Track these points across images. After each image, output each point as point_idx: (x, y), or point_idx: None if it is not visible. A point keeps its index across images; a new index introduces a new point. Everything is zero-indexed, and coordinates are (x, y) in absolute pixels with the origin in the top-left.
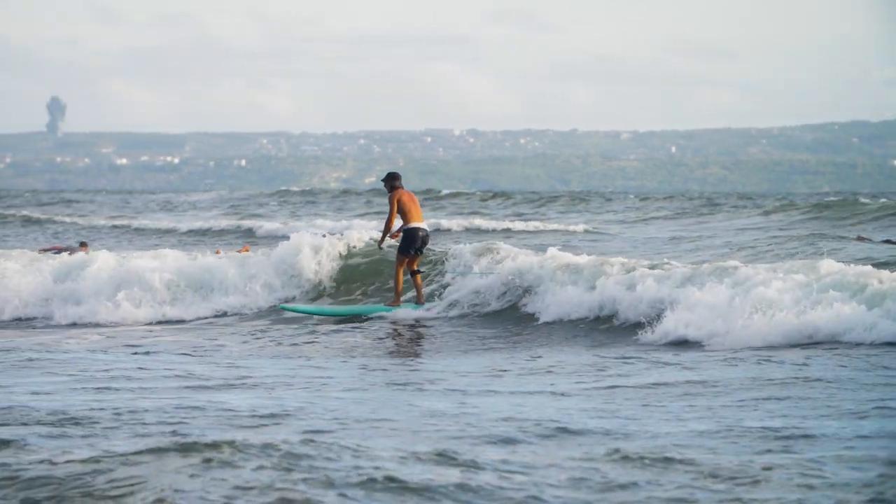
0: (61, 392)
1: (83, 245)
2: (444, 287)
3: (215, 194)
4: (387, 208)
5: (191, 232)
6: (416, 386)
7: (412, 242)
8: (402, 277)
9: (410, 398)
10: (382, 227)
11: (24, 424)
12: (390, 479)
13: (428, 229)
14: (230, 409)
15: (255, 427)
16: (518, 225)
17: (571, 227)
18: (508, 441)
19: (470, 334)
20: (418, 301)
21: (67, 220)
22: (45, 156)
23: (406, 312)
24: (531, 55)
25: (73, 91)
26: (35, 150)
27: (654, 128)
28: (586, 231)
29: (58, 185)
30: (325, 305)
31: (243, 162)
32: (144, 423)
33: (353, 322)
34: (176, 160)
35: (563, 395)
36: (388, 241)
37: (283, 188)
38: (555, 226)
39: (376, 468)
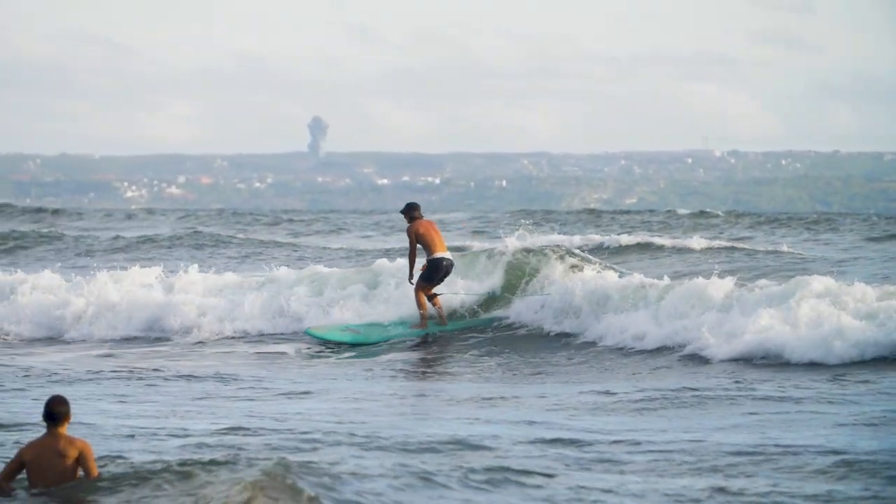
0: None
1: None
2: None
3: (468, 214)
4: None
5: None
6: None
7: (436, 273)
8: (424, 300)
9: None
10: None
11: None
12: None
13: (451, 258)
14: None
15: None
16: (701, 243)
17: (771, 248)
18: None
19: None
20: (441, 322)
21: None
22: (306, 176)
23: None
24: (792, 75)
25: (333, 111)
26: (296, 171)
27: None
28: (781, 252)
29: (318, 205)
30: (351, 332)
31: (504, 182)
32: None
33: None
34: (437, 180)
35: None
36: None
37: (543, 208)
38: (761, 247)
39: None
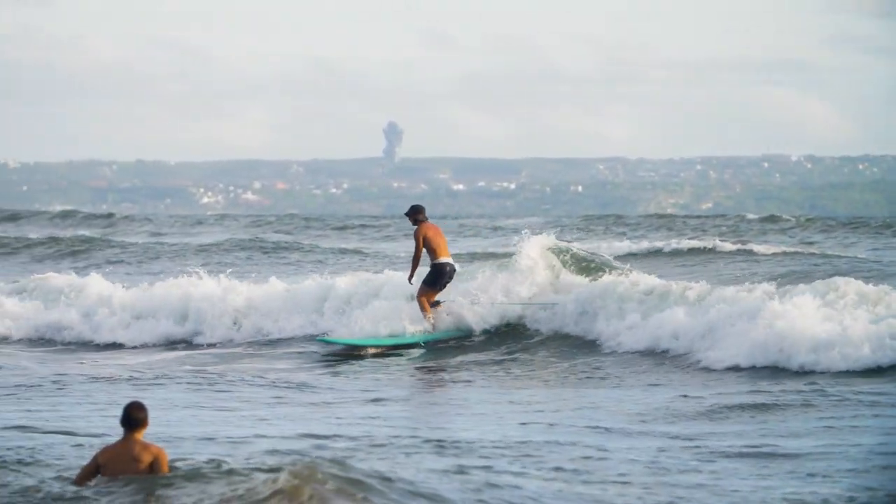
0: None
1: None
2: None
3: (542, 218)
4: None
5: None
6: None
7: (440, 277)
8: (427, 304)
9: None
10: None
11: None
12: None
13: (455, 264)
14: None
15: None
16: (767, 248)
17: (841, 253)
18: None
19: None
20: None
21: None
22: (382, 181)
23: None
24: (869, 79)
25: (409, 116)
26: (371, 176)
27: None
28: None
29: (394, 210)
30: (363, 337)
31: (580, 188)
32: None
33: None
34: (512, 186)
35: None
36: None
37: (616, 213)
38: (831, 251)
39: None
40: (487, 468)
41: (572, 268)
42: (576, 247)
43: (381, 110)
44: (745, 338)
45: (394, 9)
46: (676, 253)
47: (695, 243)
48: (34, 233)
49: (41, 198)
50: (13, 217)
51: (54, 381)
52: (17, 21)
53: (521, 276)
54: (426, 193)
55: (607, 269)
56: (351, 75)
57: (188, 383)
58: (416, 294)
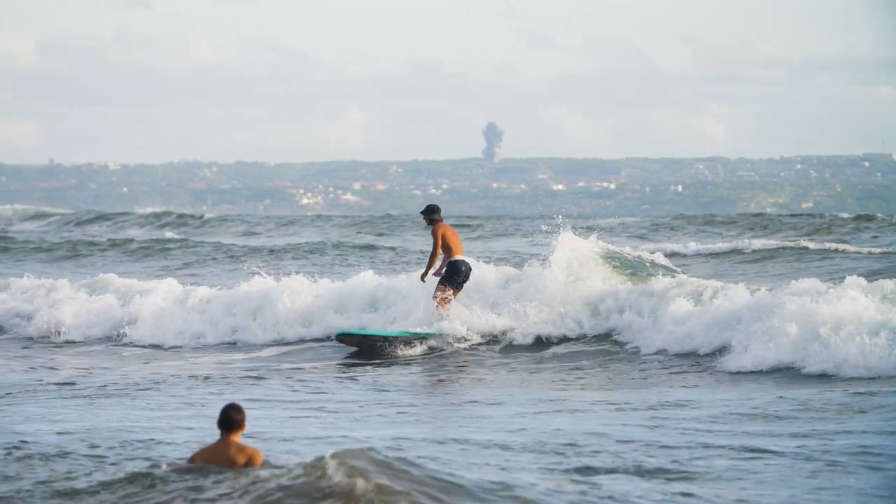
0: None
1: None
2: None
3: (641, 218)
4: (429, 240)
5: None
6: None
7: (456, 274)
8: (444, 301)
9: None
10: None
11: None
12: None
13: (469, 262)
14: None
15: None
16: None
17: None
18: None
19: None
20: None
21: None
22: (481, 182)
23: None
24: None
25: (508, 117)
26: (471, 177)
27: None
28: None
29: (494, 210)
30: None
31: (679, 188)
32: None
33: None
34: (612, 186)
35: None
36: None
37: (718, 213)
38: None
39: None
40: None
41: (609, 269)
42: (609, 247)
43: (481, 111)
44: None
45: (494, 10)
46: (749, 251)
47: (773, 243)
48: (113, 234)
49: (141, 199)
50: (101, 218)
51: (156, 381)
52: (117, 23)
53: (531, 286)
54: (526, 194)
55: (647, 272)
56: (451, 76)
57: (282, 383)
58: (433, 292)
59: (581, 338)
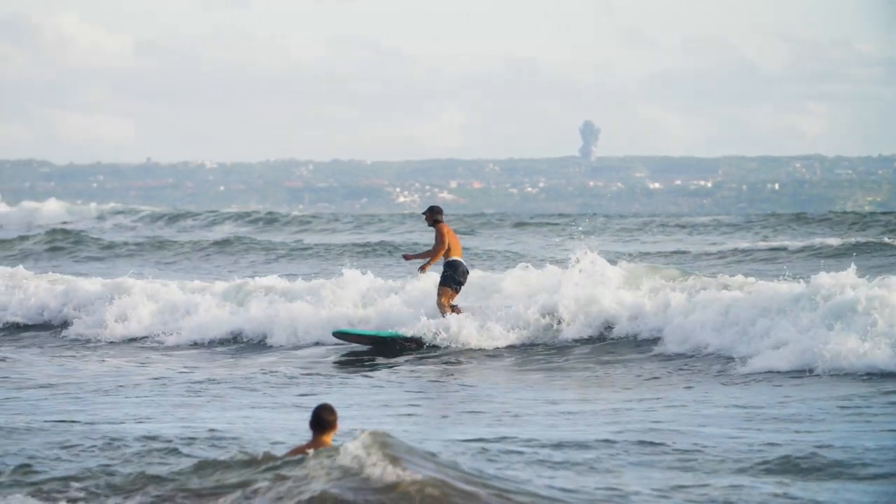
0: None
1: None
2: None
3: (736, 217)
4: (432, 236)
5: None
6: None
7: (456, 272)
8: (447, 304)
9: None
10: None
11: None
12: None
13: (466, 265)
14: None
15: None
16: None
17: None
18: None
19: None
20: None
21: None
22: (578, 180)
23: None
24: None
25: (605, 115)
26: (568, 175)
27: None
28: None
29: (590, 208)
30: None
31: (776, 186)
32: None
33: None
34: (709, 184)
35: None
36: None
37: (816, 212)
38: None
39: None
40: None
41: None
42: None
43: (577, 109)
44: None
45: (589, 8)
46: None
47: (859, 239)
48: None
49: (238, 198)
50: (175, 217)
51: (245, 378)
52: (214, 22)
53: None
54: (622, 192)
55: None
56: (547, 75)
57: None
58: (438, 299)
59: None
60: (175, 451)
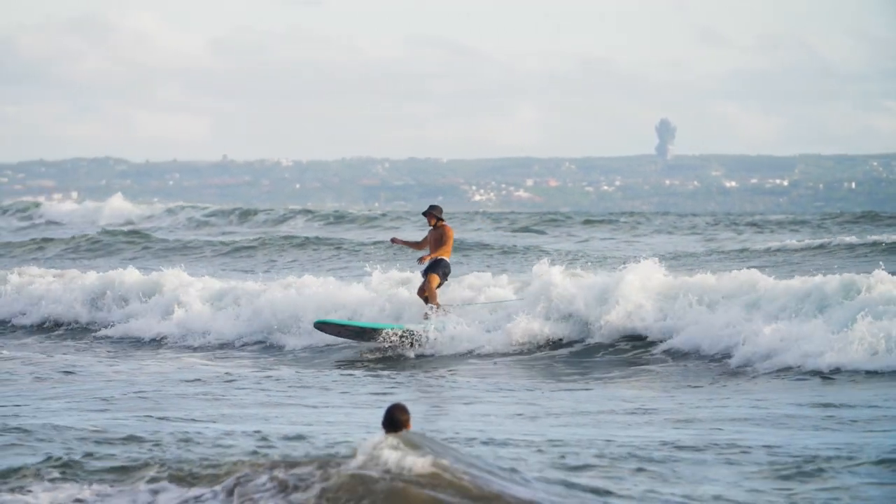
0: None
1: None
2: None
3: (812, 216)
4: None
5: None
6: None
7: (447, 268)
8: (434, 285)
9: None
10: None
11: None
12: None
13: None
14: None
15: None
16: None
17: None
18: None
19: None
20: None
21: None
22: (654, 179)
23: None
24: None
25: (681, 114)
26: (644, 173)
27: None
28: None
29: (665, 207)
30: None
31: (853, 185)
32: None
33: None
34: (785, 183)
35: None
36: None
37: (891, 211)
38: None
39: None
40: None
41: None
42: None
43: (653, 108)
44: None
45: (663, 6)
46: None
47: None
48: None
49: (313, 196)
50: (245, 214)
51: (266, 377)
52: (289, 21)
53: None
54: (698, 191)
55: None
56: (623, 73)
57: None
58: (430, 284)
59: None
60: (254, 453)
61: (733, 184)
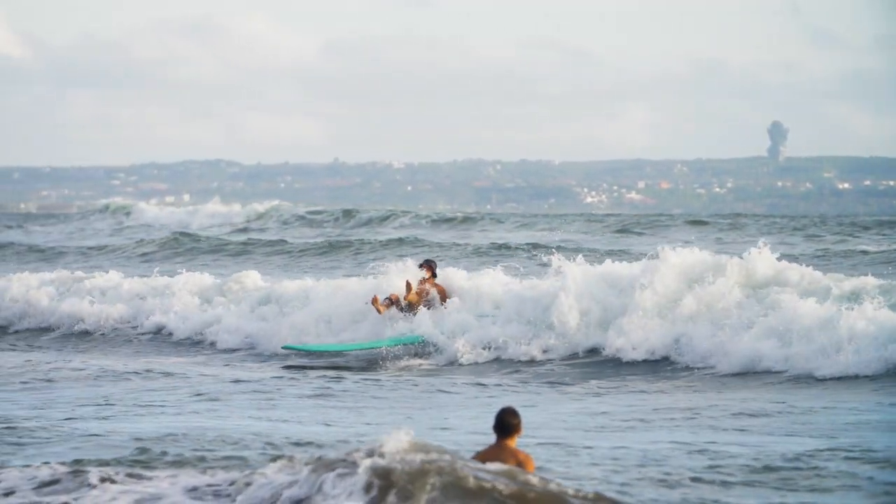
0: None
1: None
2: None
3: None
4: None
5: None
6: None
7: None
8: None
9: None
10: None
11: None
12: None
13: None
14: None
15: None
16: None
17: None
18: None
19: None
20: None
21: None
22: (766, 181)
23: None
24: None
25: (793, 115)
26: (756, 175)
27: None
28: None
29: (778, 209)
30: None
31: None
32: None
33: None
34: None
35: None
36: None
37: None
38: None
39: None
40: None
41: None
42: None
43: (765, 109)
44: None
45: (776, 8)
46: None
47: None
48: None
49: (425, 198)
50: (348, 214)
51: (289, 378)
52: (400, 23)
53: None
54: (811, 192)
55: None
56: (734, 75)
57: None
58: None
59: None
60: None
61: (846, 186)
